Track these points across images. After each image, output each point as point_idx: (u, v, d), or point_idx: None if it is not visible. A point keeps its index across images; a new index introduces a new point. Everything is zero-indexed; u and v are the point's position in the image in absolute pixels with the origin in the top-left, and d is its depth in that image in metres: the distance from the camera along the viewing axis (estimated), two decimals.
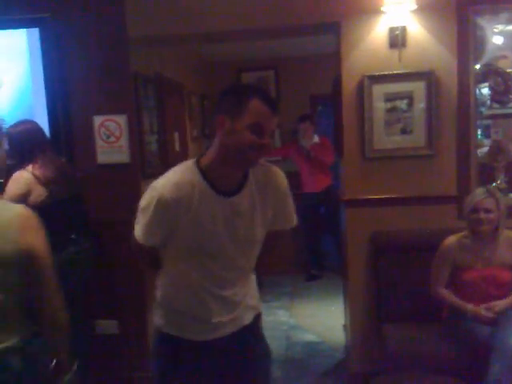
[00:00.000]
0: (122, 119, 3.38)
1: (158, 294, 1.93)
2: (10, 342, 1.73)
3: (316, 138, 5.73)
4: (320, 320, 4.67)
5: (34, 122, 3.17)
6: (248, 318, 1.94)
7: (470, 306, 2.87)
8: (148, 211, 1.76)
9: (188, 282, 1.84)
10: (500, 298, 2.89)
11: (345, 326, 3.95)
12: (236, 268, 1.86)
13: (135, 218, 1.86)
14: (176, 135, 4.57)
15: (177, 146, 4.58)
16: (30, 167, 2.98)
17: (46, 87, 3.34)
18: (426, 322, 3.13)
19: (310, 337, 4.33)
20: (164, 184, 1.76)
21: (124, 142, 3.40)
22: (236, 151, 1.70)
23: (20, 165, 3.00)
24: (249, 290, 1.95)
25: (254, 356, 1.98)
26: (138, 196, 3.40)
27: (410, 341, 3.00)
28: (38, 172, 2.98)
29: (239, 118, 1.67)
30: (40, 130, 3.13)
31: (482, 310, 2.83)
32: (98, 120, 3.39)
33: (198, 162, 1.79)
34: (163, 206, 1.72)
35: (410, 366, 2.83)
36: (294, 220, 1.98)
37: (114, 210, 3.41)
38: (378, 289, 3.33)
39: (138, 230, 1.83)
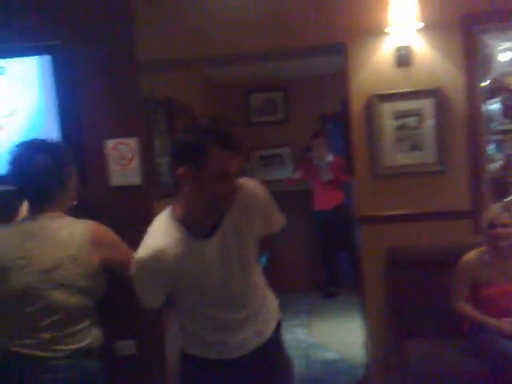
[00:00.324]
0: (133, 142, 3.41)
1: (178, 320, 1.94)
2: (83, 343, 2.00)
3: (330, 156, 5.75)
4: (339, 337, 4.64)
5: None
6: (270, 331, 1.93)
7: (492, 320, 2.85)
8: (141, 279, 1.78)
9: (200, 315, 1.86)
10: None
11: (365, 343, 3.91)
12: (243, 292, 1.85)
13: None
14: None
15: None
16: None
17: (59, 113, 3.38)
18: (447, 336, 3.11)
19: (329, 355, 4.31)
20: (144, 250, 1.74)
21: (136, 164, 3.42)
22: (208, 201, 1.70)
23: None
24: (265, 299, 1.93)
25: (277, 368, 1.97)
26: (150, 216, 3.45)
27: (431, 356, 2.97)
28: None
29: (202, 168, 1.64)
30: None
31: (505, 323, 2.81)
32: (110, 144, 3.43)
33: (172, 215, 1.78)
34: (150, 268, 1.74)
35: (432, 382, 2.80)
36: (281, 222, 1.98)
37: (127, 231, 3.42)
38: (396, 305, 3.31)
39: (141, 299, 1.83)
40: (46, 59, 3.37)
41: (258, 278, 1.93)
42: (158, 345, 3.52)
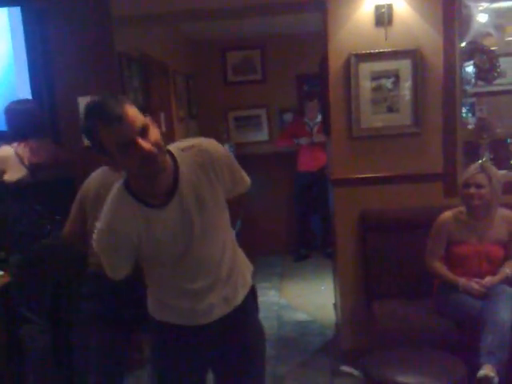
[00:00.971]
0: None
1: (147, 285, 1.92)
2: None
3: (319, 117, 5.76)
4: (310, 299, 4.72)
5: (37, 104, 3.14)
6: (240, 297, 1.91)
7: (462, 280, 2.92)
8: (103, 254, 1.77)
9: (165, 284, 1.85)
10: (492, 273, 2.94)
11: (335, 304, 3.99)
12: (210, 257, 1.81)
13: None
14: (162, 116, 4.54)
15: (163, 127, 4.54)
16: (15, 144, 2.94)
17: (29, 67, 3.29)
18: (416, 298, 3.18)
19: (300, 316, 4.38)
20: (103, 221, 1.72)
21: None
22: (136, 174, 1.67)
23: (10, 142, 2.96)
24: (235, 266, 1.89)
25: (249, 336, 1.96)
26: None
27: (400, 317, 3.04)
28: (21, 152, 2.93)
29: (108, 152, 1.60)
30: (39, 113, 3.08)
31: (474, 283, 2.88)
32: (82, 101, 3.35)
33: (126, 186, 1.73)
34: (111, 242, 1.73)
35: (401, 342, 2.86)
36: (248, 181, 1.94)
37: None
38: (367, 267, 3.37)
39: (108, 270, 1.81)
40: (15, 11, 3.26)
41: (228, 243, 1.88)
42: None
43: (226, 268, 1.85)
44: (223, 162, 1.80)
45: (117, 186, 1.76)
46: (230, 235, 1.91)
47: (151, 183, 1.69)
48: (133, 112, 1.59)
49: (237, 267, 1.91)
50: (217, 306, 1.85)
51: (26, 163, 2.93)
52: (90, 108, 1.61)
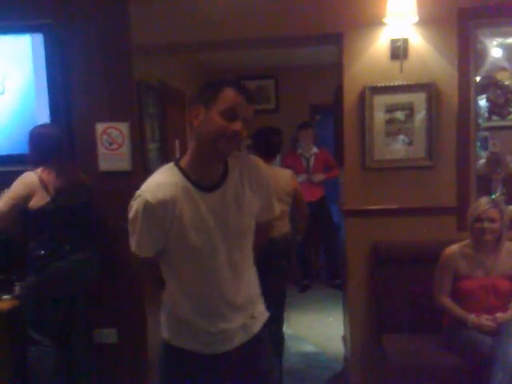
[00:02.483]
0: (124, 127, 3.39)
1: (164, 305, 1.91)
2: None
3: (315, 149, 5.76)
4: (318, 331, 4.66)
5: (58, 127, 3.17)
6: (257, 326, 1.92)
7: (471, 316, 2.89)
8: (137, 220, 1.76)
9: (189, 290, 1.83)
10: (500, 307, 2.91)
11: (344, 336, 3.94)
12: (233, 265, 1.82)
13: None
14: (177, 142, 4.59)
15: (177, 153, 4.59)
16: (39, 170, 2.95)
17: (49, 93, 3.35)
18: (427, 332, 3.14)
19: (308, 347, 4.32)
20: (146, 189, 1.76)
21: (126, 149, 3.41)
22: (208, 141, 1.71)
23: (32, 167, 2.97)
24: (253, 294, 1.92)
25: (265, 368, 1.95)
26: None
27: (410, 352, 3.00)
28: (45, 177, 2.94)
29: (213, 106, 1.71)
30: (61, 136, 3.11)
31: (484, 319, 2.85)
32: (100, 127, 3.40)
33: (177, 164, 1.81)
34: (150, 211, 1.72)
35: (410, 377, 2.83)
36: (277, 211, 2.01)
37: (114, 218, 3.40)
38: (378, 300, 3.34)
39: (133, 243, 1.81)
40: (38, 38, 3.34)
41: (251, 264, 1.91)
42: (140, 334, 3.54)
43: (247, 285, 1.88)
44: (266, 184, 1.91)
45: (168, 164, 1.84)
46: (251, 259, 1.93)
47: (212, 167, 1.78)
48: (252, 109, 1.76)
49: (256, 294, 1.93)
50: (237, 332, 1.85)
51: (51, 190, 2.94)
52: (233, 79, 1.78)
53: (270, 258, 3.14)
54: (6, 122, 3.39)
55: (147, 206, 1.72)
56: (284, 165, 5.83)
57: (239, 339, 1.86)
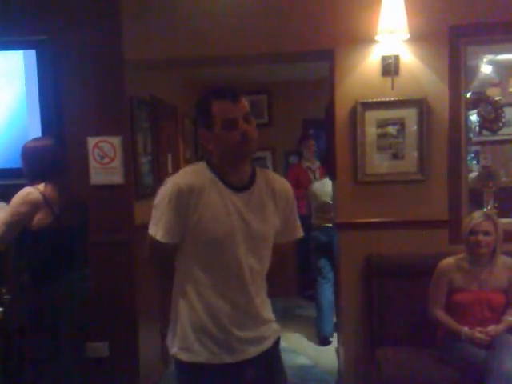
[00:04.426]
0: (116, 141, 3.40)
1: (174, 314, 1.86)
2: None
3: (317, 162, 5.78)
4: (312, 343, 4.64)
5: (54, 139, 3.00)
6: (271, 340, 1.91)
7: (465, 329, 2.89)
8: (163, 203, 1.77)
9: (203, 290, 1.79)
10: (494, 320, 2.92)
11: (337, 349, 3.93)
12: (249, 270, 1.81)
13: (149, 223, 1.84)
14: (169, 157, 4.59)
15: (170, 168, 4.59)
16: (41, 186, 2.76)
17: (41, 108, 3.36)
18: (420, 345, 3.13)
19: (302, 360, 4.29)
20: (175, 175, 1.83)
21: (118, 163, 3.41)
22: (228, 152, 1.78)
23: (31, 183, 2.78)
24: (267, 307, 1.93)
25: (276, 381, 1.94)
26: (130, 217, 3.46)
27: (404, 365, 2.99)
28: (49, 194, 2.75)
29: (212, 126, 1.77)
30: (59, 148, 2.96)
31: (477, 333, 2.85)
32: (92, 141, 3.40)
33: (206, 162, 1.85)
34: (177, 194, 1.74)
35: None
36: (300, 233, 2.01)
37: (106, 231, 3.41)
38: (371, 312, 3.33)
39: (155, 228, 1.79)
40: (30, 54, 3.35)
41: (265, 284, 1.93)
42: (131, 348, 3.52)
43: (263, 301, 1.90)
44: (291, 203, 1.95)
45: (198, 163, 1.90)
46: (266, 271, 1.93)
47: (236, 169, 1.81)
48: (244, 100, 1.81)
49: (269, 308, 1.95)
50: (249, 342, 1.83)
51: (55, 208, 2.76)
52: (213, 88, 1.84)
53: None
54: None
55: (175, 189, 1.75)
56: (289, 178, 5.84)
57: (253, 350, 1.84)
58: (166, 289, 1.91)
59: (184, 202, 1.74)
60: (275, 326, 1.96)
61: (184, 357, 1.81)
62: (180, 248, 1.82)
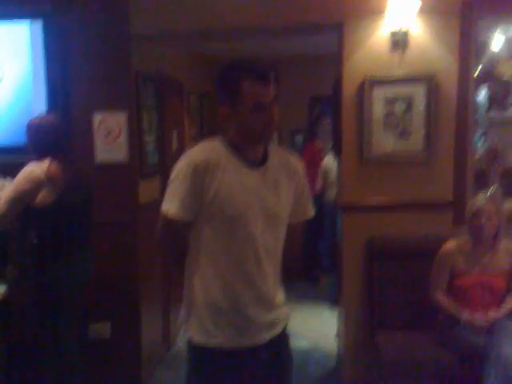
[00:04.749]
0: (122, 117, 3.38)
1: (189, 296, 1.84)
2: None
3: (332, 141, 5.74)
4: (313, 327, 4.64)
5: (58, 116, 2.99)
6: (282, 324, 1.91)
7: (465, 314, 2.89)
8: (178, 180, 1.75)
9: (218, 271, 1.77)
10: (495, 304, 2.91)
11: (337, 333, 3.93)
12: (265, 248, 1.79)
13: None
14: (174, 134, 4.57)
15: (175, 145, 4.57)
16: (45, 163, 2.74)
17: (47, 83, 3.33)
18: (421, 329, 3.14)
19: (302, 344, 4.28)
20: (190, 151, 1.80)
21: (123, 140, 3.39)
22: (250, 133, 1.75)
23: (36, 160, 2.75)
24: (281, 290, 1.92)
25: (283, 369, 1.95)
26: (134, 196, 3.45)
27: (403, 348, 3.00)
28: (53, 171, 2.73)
29: (239, 104, 1.71)
30: (64, 125, 2.94)
31: (477, 317, 2.85)
32: (97, 117, 3.38)
33: (221, 139, 1.82)
34: (193, 170, 1.72)
35: (403, 373, 2.84)
36: (312, 212, 1.99)
37: (109, 210, 3.38)
38: (372, 295, 3.33)
39: (169, 204, 1.75)
40: (36, 27, 3.31)
41: (280, 256, 1.90)
42: (134, 329, 3.52)
43: (277, 286, 1.88)
44: (303, 182, 1.93)
45: (214, 138, 1.84)
46: (281, 252, 1.91)
47: (251, 147, 1.79)
48: (273, 81, 1.74)
49: (281, 293, 1.93)
50: (263, 326, 1.83)
51: (59, 186, 2.75)
52: (241, 62, 1.76)
53: None
54: (2, 112, 3.37)
55: (191, 166, 1.72)
56: (304, 157, 5.78)
57: (266, 334, 1.84)
58: (176, 272, 1.91)
59: (200, 178, 1.71)
60: (286, 310, 1.96)
61: (199, 340, 1.81)
62: (195, 226, 1.79)
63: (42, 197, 2.72)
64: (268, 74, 1.71)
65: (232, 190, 1.73)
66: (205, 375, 1.82)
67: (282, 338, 1.93)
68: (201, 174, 1.71)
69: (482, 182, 3.61)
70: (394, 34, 3.21)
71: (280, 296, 1.92)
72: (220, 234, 1.76)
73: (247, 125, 1.73)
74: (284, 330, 1.94)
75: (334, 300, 4.57)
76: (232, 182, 1.74)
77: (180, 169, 1.75)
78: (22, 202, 2.72)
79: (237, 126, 1.76)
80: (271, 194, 1.80)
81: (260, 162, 1.81)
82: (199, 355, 1.84)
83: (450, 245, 3.05)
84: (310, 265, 5.99)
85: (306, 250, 5.92)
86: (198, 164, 1.71)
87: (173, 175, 1.77)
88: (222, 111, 1.76)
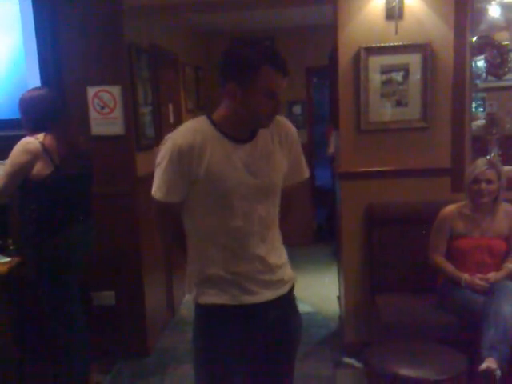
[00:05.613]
0: (116, 90, 3.36)
1: (190, 270, 1.87)
2: None
3: None
4: (314, 291, 4.73)
5: (51, 89, 2.99)
6: (286, 288, 1.92)
7: (465, 275, 2.92)
8: (163, 163, 1.74)
9: (217, 244, 1.79)
10: (494, 266, 2.95)
11: (339, 297, 4.00)
12: (259, 220, 1.80)
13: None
14: (170, 107, 4.55)
15: (171, 118, 4.56)
16: (40, 136, 2.74)
17: (40, 57, 3.30)
18: (420, 292, 3.18)
19: (305, 308, 4.36)
20: (175, 133, 1.77)
21: (118, 113, 3.38)
22: (251, 117, 1.74)
23: (30, 134, 2.77)
24: (283, 255, 1.92)
25: (292, 331, 1.98)
26: (132, 168, 3.46)
27: (403, 310, 3.05)
28: (48, 143, 2.74)
29: (251, 86, 1.67)
30: (57, 98, 2.92)
31: (477, 279, 2.89)
32: (91, 91, 3.37)
33: (209, 117, 1.80)
34: (177, 153, 1.71)
35: (403, 335, 2.88)
36: (307, 172, 1.99)
37: (108, 182, 3.42)
38: (372, 260, 3.38)
39: (157, 188, 1.77)
40: (27, 2, 3.28)
41: (277, 224, 1.91)
42: (137, 296, 3.59)
43: (278, 249, 1.89)
44: (296, 144, 1.92)
45: (198, 117, 1.82)
46: (277, 220, 1.91)
47: (247, 128, 1.78)
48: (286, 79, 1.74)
49: (283, 256, 1.93)
50: (266, 284, 1.83)
51: (55, 158, 2.76)
52: (263, 46, 1.75)
53: None
54: None
55: (175, 149, 1.71)
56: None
57: (270, 293, 1.84)
58: (178, 256, 1.91)
59: (185, 160, 1.71)
60: (290, 272, 1.97)
61: (204, 300, 1.83)
62: (187, 204, 1.80)
63: (40, 168, 2.73)
64: (286, 66, 1.70)
65: (222, 168, 1.73)
66: (210, 334, 1.85)
67: (289, 299, 1.95)
68: (185, 157, 1.71)
69: (480, 149, 3.60)
70: (389, 3, 3.18)
71: (282, 258, 1.93)
72: (214, 211, 1.78)
73: (255, 108, 1.70)
74: (290, 291, 1.96)
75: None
76: (221, 160, 1.73)
77: (165, 153, 1.74)
78: (21, 175, 2.73)
79: (240, 105, 1.71)
80: (263, 166, 1.80)
81: (249, 135, 1.80)
82: (204, 315, 1.87)
83: (450, 208, 3.07)
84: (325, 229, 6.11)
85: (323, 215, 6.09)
86: (183, 147, 1.70)
87: (158, 158, 1.77)
88: (230, 87, 1.70)
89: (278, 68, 1.68)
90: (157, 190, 1.78)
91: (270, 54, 1.70)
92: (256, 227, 1.80)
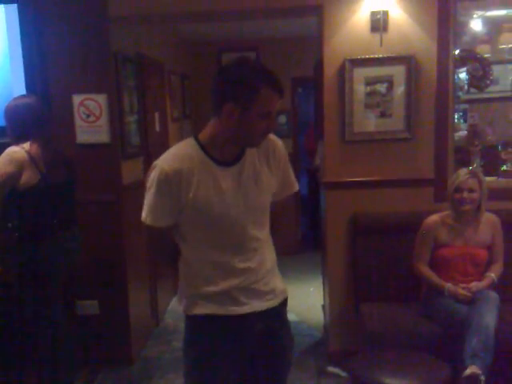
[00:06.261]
0: (101, 98, 3.36)
1: (182, 281, 1.90)
2: None
3: None
4: (299, 300, 4.72)
5: (36, 97, 2.98)
6: (276, 301, 1.93)
7: (448, 285, 2.96)
8: (152, 189, 1.76)
9: (208, 262, 1.82)
10: (476, 276, 2.99)
11: (323, 306, 4.01)
12: (250, 238, 1.83)
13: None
14: (156, 115, 4.55)
15: (157, 127, 4.55)
16: (26, 145, 2.74)
17: (25, 64, 3.29)
18: (405, 301, 3.22)
19: (289, 317, 4.32)
20: (163, 159, 1.78)
21: (104, 121, 3.38)
22: (245, 136, 1.75)
23: (15, 142, 2.77)
24: (274, 267, 1.95)
25: (282, 345, 1.98)
26: (117, 176, 3.45)
27: (388, 319, 3.07)
28: (34, 152, 2.74)
29: (250, 107, 1.69)
30: (43, 106, 2.93)
31: (460, 289, 2.92)
32: (77, 99, 3.36)
33: (196, 138, 1.81)
34: (165, 180, 1.73)
35: (388, 344, 2.90)
36: (296, 187, 2.02)
37: (93, 190, 3.40)
38: (357, 269, 3.40)
39: (146, 214, 1.80)
40: (12, 10, 3.27)
41: (271, 245, 1.94)
42: (122, 305, 3.57)
43: (270, 260, 1.91)
44: (284, 160, 1.93)
45: (188, 139, 1.84)
46: (269, 235, 1.94)
47: (230, 148, 1.79)
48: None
49: (275, 271, 1.96)
50: (258, 293, 1.86)
51: (41, 166, 2.76)
52: (265, 70, 1.73)
53: None
54: None
55: (162, 175, 1.72)
56: (309, 147, 5.89)
57: (257, 305, 1.86)
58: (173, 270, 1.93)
59: (173, 187, 1.73)
60: (281, 285, 1.99)
61: (194, 311, 1.85)
62: (179, 227, 1.82)
63: (27, 178, 2.73)
64: (282, 86, 1.73)
65: (208, 194, 1.75)
66: (200, 344, 1.87)
67: (279, 313, 1.97)
68: (173, 184, 1.73)
69: (462, 159, 3.66)
70: (373, 15, 3.23)
71: (274, 269, 1.95)
72: (204, 234, 1.81)
73: (250, 127, 1.72)
74: (282, 305, 1.97)
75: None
76: (208, 186, 1.75)
77: (153, 179, 1.76)
78: (8, 185, 2.72)
79: (236, 124, 1.72)
80: (251, 188, 1.81)
81: (236, 157, 1.81)
82: (194, 326, 1.88)
83: (433, 218, 3.12)
84: (310, 237, 6.14)
85: (306, 224, 6.11)
86: (170, 174, 1.72)
87: (147, 184, 1.79)
88: (228, 107, 1.70)
89: (276, 90, 1.71)
90: (146, 215, 1.81)
91: (268, 75, 1.72)
92: (248, 244, 1.83)
